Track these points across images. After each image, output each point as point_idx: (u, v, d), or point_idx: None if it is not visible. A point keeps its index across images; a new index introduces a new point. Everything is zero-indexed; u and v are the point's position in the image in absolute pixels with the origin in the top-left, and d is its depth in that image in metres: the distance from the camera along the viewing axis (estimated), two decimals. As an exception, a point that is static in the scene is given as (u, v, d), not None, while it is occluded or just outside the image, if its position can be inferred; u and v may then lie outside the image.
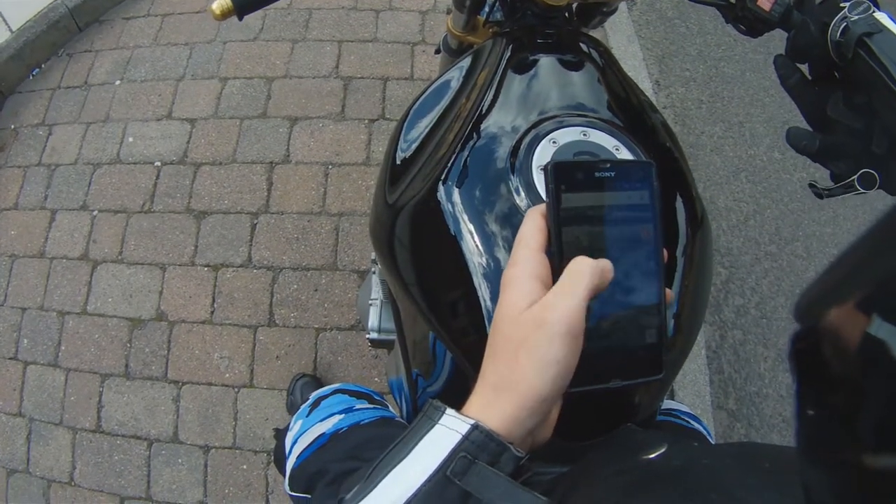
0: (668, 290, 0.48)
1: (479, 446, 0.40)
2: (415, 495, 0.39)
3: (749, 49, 2.60)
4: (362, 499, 0.40)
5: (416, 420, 0.44)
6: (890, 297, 0.20)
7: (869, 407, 0.21)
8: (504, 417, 0.41)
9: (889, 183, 0.59)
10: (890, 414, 0.20)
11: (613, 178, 0.45)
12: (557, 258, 0.44)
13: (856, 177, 0.60)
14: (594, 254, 0.44)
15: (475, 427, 0.40)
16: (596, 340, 0.44)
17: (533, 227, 0.45)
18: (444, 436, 0.41)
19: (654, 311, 0.47)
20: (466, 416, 0.42)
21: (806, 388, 0.25)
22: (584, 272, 0.42)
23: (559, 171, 0.44)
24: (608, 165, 0.46)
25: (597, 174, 0.45)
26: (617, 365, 0.46)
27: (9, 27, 2.41)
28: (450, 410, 0.43)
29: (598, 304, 0.44)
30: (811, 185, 0.67)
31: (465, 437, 0.40)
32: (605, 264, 0.43)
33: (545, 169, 0.45)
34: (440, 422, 0.42)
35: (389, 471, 0.41)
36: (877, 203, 2.17)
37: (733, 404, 1.93)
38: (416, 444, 0.41)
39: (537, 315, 0.41)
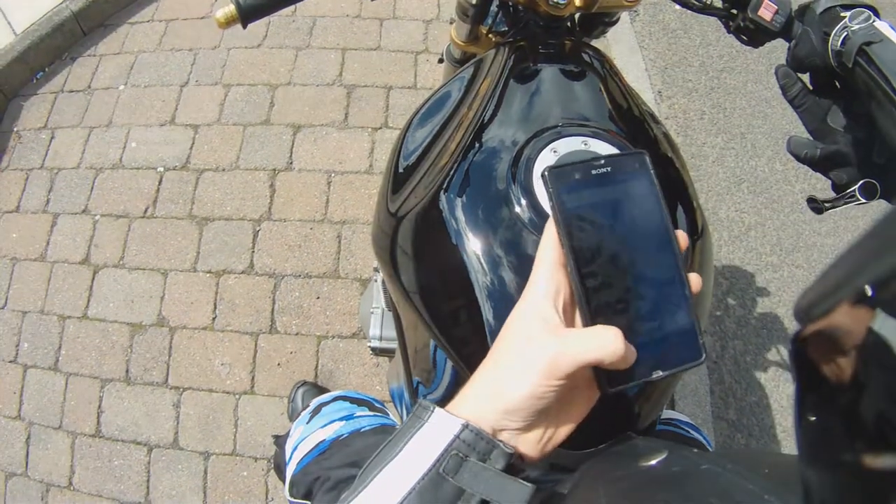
0: (691, 275, 0.46)
1: (469, 444, 0.41)
2: (409, 493, 0.40)
3: (751, 60, 2.61)
4: (354, 497, 0.41)
5: (406, 420, 0.45)
6: (893, 292, 0.20)
7: (870, 405, 0.21)
8: (491, 417, 0.42)
9: (890, 192, 0.59)
10: (891, 411, 0.20)
11: (610, 173, 0.45)
12: (572, 262, 0.43)
13: (857, 186, 0.60)
14: (608, 250, 0.44)
15: (465, 426, 0.41)
16: (631, 337, 0.42)
17: (548, 241, 0.45)
18: (435, 434, 0.42)
19: (678, 293, 0.45)
20: (456, 415, 0.42)
21: (806, 389, 0.25)
22: (603, 346, 0.40)
23: (556, 175, 0.44)
24: (602, 161, 0.45)
25: (593, 172, 0.45)
26: (656, 356, 0.44)
27: (13, 30, 2.42)
28: (439, 410, 0.43)
29: (625, 302, 0.44)
30: (810, 201, 0.67)
31: (457, 436, 0.41)
32: (626, 352, 0.41)
33: (543, 176, 0.45)
34: (429, 420, 0.43)
35: (381, 469, 0.42)
36: (877, 215, 2.16)
37: (734, 415, 1.93)
38: (407, 442, 0.42)
39: (549, 346, 0.41)
